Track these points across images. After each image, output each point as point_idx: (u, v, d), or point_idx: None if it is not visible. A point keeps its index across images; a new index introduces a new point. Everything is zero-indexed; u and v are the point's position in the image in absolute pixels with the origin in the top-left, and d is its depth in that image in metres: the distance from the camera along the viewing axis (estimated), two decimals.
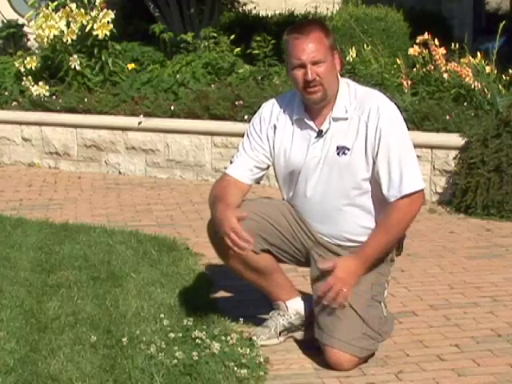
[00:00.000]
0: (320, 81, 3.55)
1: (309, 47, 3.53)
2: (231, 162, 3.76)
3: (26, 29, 10.44)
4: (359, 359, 3.54)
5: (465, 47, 7.40)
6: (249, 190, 3.73)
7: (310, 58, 3.53)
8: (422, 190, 3.57)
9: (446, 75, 7.26)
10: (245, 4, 12.90)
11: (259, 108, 3.84)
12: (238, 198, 3.64)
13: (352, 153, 3.57)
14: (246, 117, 7.28)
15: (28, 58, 8.71)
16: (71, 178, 7.81)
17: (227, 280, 4.46)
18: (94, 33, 8.48)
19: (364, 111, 3.57)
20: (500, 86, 6.99)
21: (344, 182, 3.58)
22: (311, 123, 3.65)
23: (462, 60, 7.34)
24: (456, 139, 6.50)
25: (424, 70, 7.46)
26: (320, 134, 3.63)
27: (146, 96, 8.06)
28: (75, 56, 8.43)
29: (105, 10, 8.52)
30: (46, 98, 8.34)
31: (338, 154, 3.59)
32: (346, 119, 3.60)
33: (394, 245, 3.65)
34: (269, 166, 3.77)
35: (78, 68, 8.45)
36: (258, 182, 3.79)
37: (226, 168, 3.81)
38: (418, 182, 3.55)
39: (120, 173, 7.96)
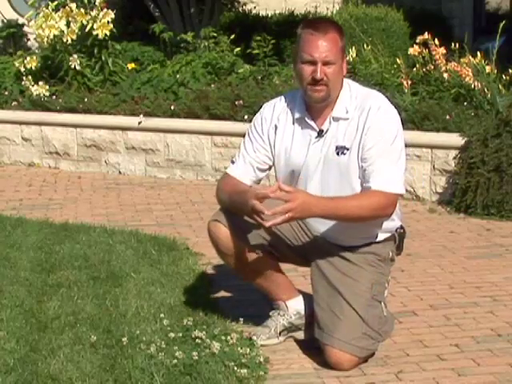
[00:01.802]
0: (326, 81, 3.55)
1: (323, 46, 3.53)
2: (233, 162, 3.75)
3: (26, 29, 10.44)
4: (359, 359, 3.54)
5: (465, 47, 7.40)
6: None
7: (322, 57, 3.53)
8: (396, 195, 3.51)
9: (446, 75, 7.26)
10: (245, 4, 12.91)
11: (260, 108, 3.84)
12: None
13: (351, 152, 3.57)
14: (245, 117, 7.28)
15: (28, 58, 8.70)
16: (71, 178, 7.81)
17: (227, 280, 4.46)
18: (94, 32, 8.48)
19: (363, 111, 3.57)
20: (500, 86, 6.99)
21: (344, 182, 3.58)
22: (312, 123, 3.65)
23: (462, 60, 7.34)
24: (456, 139, 6.50)
25: (424, 69, 7.46)
26: (320, 133, 3.63)
27: (146, 96, 8.06)
28: (75, 56, 8.43)
29: (105, 10, 8.52)
30: (45, 98, 8.34)
31: (338, 153, 3.59)
32: (347, 119, 3.60)
33: (345, 220, 3.52)
34: (271, 167, 3.77)
35: (77, 68, 8.45)
36: (258, 182, 3.78)
37: (227, 168, 3.81)
38: (395, 186, 3.50)
39: (120, 173, 7.96)
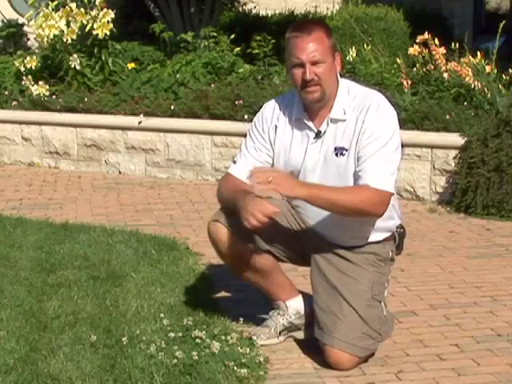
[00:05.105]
0: (318, 81, 3.54)
1: (309, 47, 3.53)
2: (234, 162, 3.75)
3: (26, 28, 10.43)
4: (359, 359, 3.54)
5: (465, 47, 7.40)
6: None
7: (309, 58, 3.53)
8: (389, 193, 3.50)
9: (446, 75, 7.26)
10: (245, 3, 12.91)
11: (260, 108, 3.84)
12: None
13: (349, 153, 3.56)
14: (245, 116, 7.28)
15: (28, 58, 8.69)
16: (71, 178, 7.81)
17: (227, 279, 4.46)
18: (94, 32, 8.48)
19: (361, 112, 3.56)
20: (500, 86, 6.99)
21: (343, 183, 3.57)
22: (310, 124, 3.65)
23: (462, 59, 7.34)
24: (456, 139, 6.50)
25: (424, 69, 7.46)
26: (318, 134, 3.63)
27: (146, 95, 8.06)
28: (75, 55, 8.43)
29: (105, 10, 8.51)
30: (45, 98, 8.34)
31: (337, 154, 3.58)
32: (345, 121, 3.59)
33: (332, 209, 3.52)
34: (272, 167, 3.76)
35: (77, 67, 8.45)
36: None
37: (228, 168, 3.81)
38: (387, 184, 3.48)
39: (120, 172, 7.96)
